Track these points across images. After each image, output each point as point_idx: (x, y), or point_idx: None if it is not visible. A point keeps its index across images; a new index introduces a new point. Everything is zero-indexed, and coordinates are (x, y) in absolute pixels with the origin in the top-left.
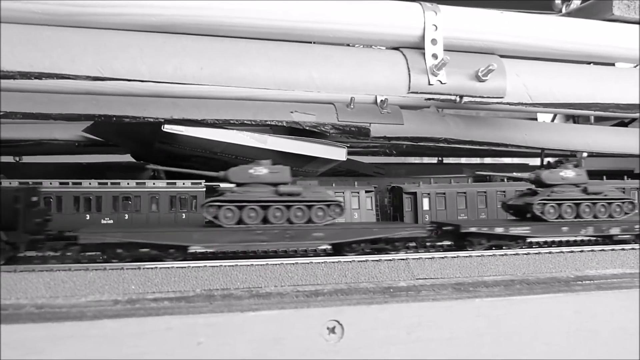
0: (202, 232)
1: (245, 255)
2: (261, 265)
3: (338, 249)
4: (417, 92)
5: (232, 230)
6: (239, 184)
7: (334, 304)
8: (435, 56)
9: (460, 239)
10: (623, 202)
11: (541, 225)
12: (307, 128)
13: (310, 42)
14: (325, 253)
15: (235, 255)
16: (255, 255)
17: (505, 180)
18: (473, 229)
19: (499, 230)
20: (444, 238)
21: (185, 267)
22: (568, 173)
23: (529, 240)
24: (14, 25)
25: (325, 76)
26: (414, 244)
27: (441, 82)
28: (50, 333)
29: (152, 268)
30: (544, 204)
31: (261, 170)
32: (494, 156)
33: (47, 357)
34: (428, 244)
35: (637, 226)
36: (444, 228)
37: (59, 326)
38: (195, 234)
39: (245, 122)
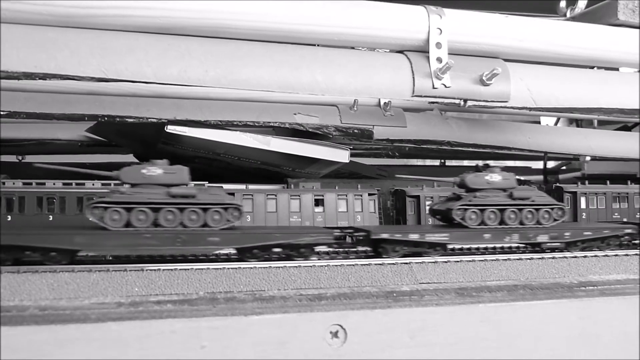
0: (86, 235)
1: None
2: (264, 268)
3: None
4: (421, 96)
5: (118, 234)
6: (132, 185)
7: (337, 308)
8: (439, 60)
9: (375, 246)
10: (552, 208)
11: (461, 232)
12: (310, 130)
13: (315, 45)
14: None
15: (239, 258)
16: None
17: (435, 185)
18: (385, 235)
19: (414, 237)
20: (362, 244)
21: (188, 270)
22: (494, 177)
23: (450, 247)
24: (20, 26)
25: (329, 79)
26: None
27: (445, 86)
28: (54, 335)
29: (155, 270)
30: (465, 209)
31: (155, 170)
32: (496, 159)
33: (52, 359)
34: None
35: (567, 234)
36: (355, 234)
37: (63, 328)
38: (78, 237)
39: (248, 123)
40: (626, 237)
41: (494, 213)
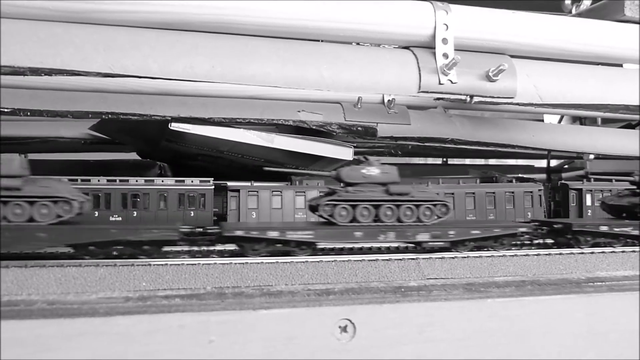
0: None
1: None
2: (271, 263)
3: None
4: (427, 92)
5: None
6: None
7: (345, 303)
8: (446, 56)
9: (235, 243)
10: (435, 205)
11: (328, 230)
12: (314, 127)
13: (321, 41)
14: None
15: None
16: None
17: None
18: (239, 233)
19: (273, 234)
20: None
21: (195, 265)
22: (371, 170)
23: (319, 246)
24: (26, 22)
25: (335, 75)
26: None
27: (452, 82)
28: (63, 329)
29: (162, 265)
30: (334, 205)
31: None
32: (499, 157)
33: (60, 353)
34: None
35: (452, 232)
36: (208, 231)
37: (71, 322)
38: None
39: (252, 121)
40: (525, 236)
41: (367, 209)
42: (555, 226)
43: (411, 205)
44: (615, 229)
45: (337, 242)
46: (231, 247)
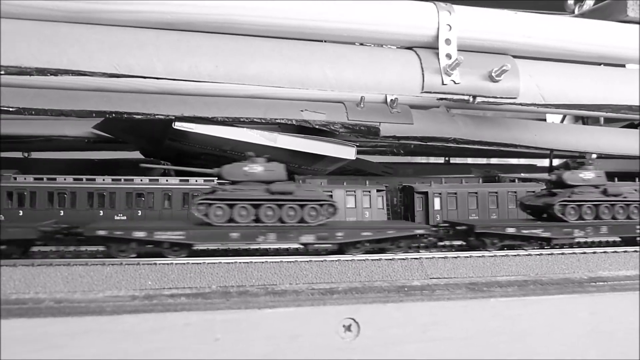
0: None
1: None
2: (276, 262)
3: None
4: (430, 92)
5: None
6: None
7: (349, 302)
8: (449, 56)
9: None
10: (321, 205)
11: (201, 230)
12: (317, 127)
13: (324, 41)
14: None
15: (250, 252)
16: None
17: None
18: (101, 233)
19: (139, 234)
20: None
21: (200, 264)
22: (254, 168)
23: (194, 247)
24: (32, 22)
25: (339, 75)
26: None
27: (455, 82)
28: (71, 328)
29: (168, 264)
30: (209, 204)
31: None
32: (501, 157)
33: (68, 351)
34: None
35: (339, 234)
36: (63, 230)
37: (79, 321)
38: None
39: (255, 120)
40: (428, 238)
41: (246, 209)
42: (457, 227)
43: (294, 205)
44: (524, 231)
45: (212, 243)
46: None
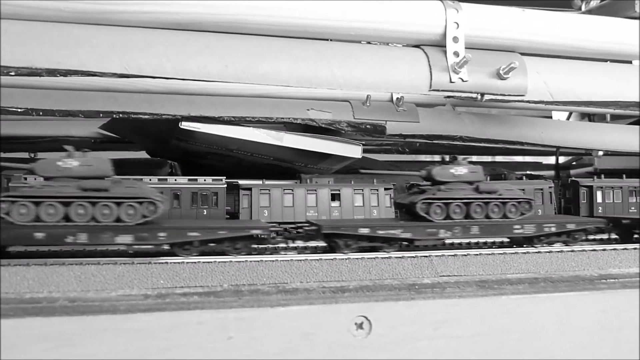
0: None
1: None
2: (286, 261)
3: None
4: (438, 90)
5: None
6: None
7: (360, 300)
8: (456, 54)
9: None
10: (140, 203)
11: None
12: (323, 125)
13: (332, 40)
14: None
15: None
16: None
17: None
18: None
19: None
20: None
21: (211, 262)
22: (68, 163)
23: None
24: (42, 23)
25: (347, 74)
26: None
27: (463, 80)
28: (85, 326)
29: (179, 263)
30: (12, 202)
31: None
32: (506, 154)
33: (84, 349)
34: None
35: (162, 234)
36: None
37: (94, 319)
38: None
39: (261, 119)
40: (275, 237)
41: (53, 207)
42: (306, 228)
43: (109, 203)
44: (379, 232)
45: (16, 245)
46: None
